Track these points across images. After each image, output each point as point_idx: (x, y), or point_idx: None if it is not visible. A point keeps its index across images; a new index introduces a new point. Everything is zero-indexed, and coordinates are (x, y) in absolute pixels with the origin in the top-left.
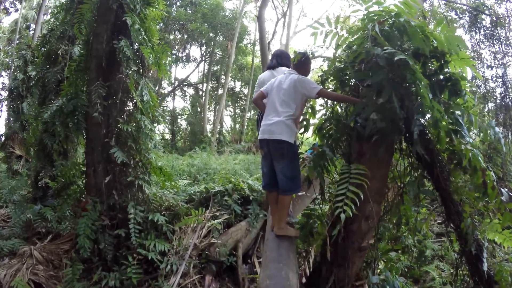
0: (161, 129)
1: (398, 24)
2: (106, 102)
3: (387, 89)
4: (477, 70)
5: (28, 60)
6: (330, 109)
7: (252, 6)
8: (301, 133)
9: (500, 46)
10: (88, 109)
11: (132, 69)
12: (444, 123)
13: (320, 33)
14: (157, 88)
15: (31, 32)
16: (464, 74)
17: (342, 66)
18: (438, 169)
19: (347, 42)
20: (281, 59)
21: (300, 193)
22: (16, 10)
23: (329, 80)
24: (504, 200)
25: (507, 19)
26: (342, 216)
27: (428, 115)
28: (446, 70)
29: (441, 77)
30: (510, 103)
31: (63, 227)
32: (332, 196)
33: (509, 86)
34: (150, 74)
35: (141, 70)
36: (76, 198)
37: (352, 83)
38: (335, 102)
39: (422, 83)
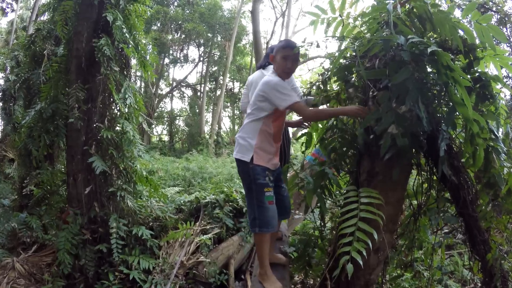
0: (159, 131)
1: (420, 10)
2: (85, 106)
3: (412, 92)
4: None
5: (21, 61)
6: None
7: (250, 6)
8: (302, 151)
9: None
10: (68, 113)
11: (114, 70)
12: (482, 138)
13: (321, 21)
14: (154, 89)
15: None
16: (498, 74)
17: (348, 62)
18: (465, 190)
19: (354, 33)
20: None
21: (296, 216)
22: (13, 11)
23: (332, 80)
24: None
25: None
26: (350, 267)
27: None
28: (475, 68)
29: (469, 77)
30: None
31: (48, 237)
32: (335, 218)
33: None
34: (150, 74)
35: (125, 71)
36: (59, 208)
37: (359, 84)
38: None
39: (462, 85)
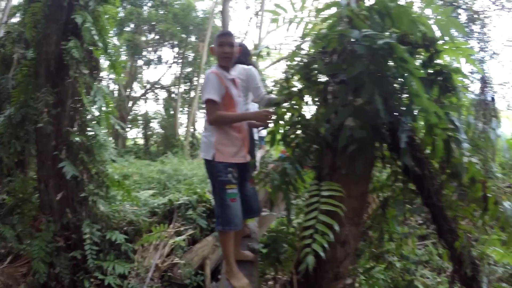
0: (134, 134)
1: (380, 5)
2: (55, 110)
3: (368, 85)
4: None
5: None
6: (296, 113)
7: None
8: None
9: (479, 42)
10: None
11: (83, 73)
12: (441, 128)
13: (282, 20)
14: (128, 91)
15: None
16: (458, 66)
17: (309, 59)
18: (428, 181)
19: (316, 30)
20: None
21: (263, 213)
22: None
23: (295, 78)
24: (509, 218)
25: (482, 14)
26: (311, 259)
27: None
28: (436, 61)
29: (430, 70)
30: (488, 98)
31: (23, 247)
32: (302, 212)
33: (487, 80)
34: (121, 76)
35: (95, 73)
36: (32, 216)
37: (323, 81)
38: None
39: (416, 76)
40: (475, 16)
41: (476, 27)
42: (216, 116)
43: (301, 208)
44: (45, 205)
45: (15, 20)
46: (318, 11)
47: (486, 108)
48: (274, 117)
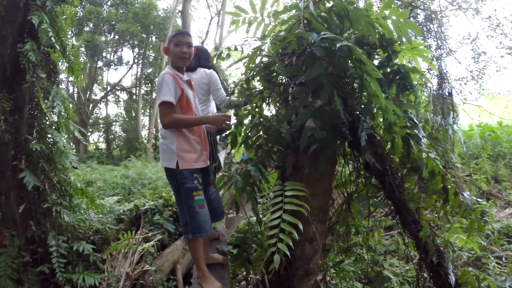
0: (96, 138)
1: (338, 7)
2: (12, 118)
3: (327, 87)
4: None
5: None
6: (257, 114)
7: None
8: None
9: (436, 40)
10: None
11: (40, 77)
12: (399, 126)
13: (242, 21)
14: (88, 94)
15: None
16: (416, 66)
17: (269, 61)
18: (390, 176)
19: (276, 32)
20: (198, 59)
21: (230, 215)
22: None
23: (255, 79)
24: (468, 207)
25: (439, 14)
26: (277, 258)
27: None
28: (394, 61)
29: (388, 70)
30: (446, 93)
31: None
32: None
33: (444, 77)
34: (80, 79)
35: (53, 77)
36: None
37: (283, 82)
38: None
39: (373, 77)
40: (433, 16)
41: (433, 26)
42: (172, 119)
43: (267, 208)
44: (7, 219)
45: None
46: (277, 13)
47: (444, 103)
48: (233, 120)
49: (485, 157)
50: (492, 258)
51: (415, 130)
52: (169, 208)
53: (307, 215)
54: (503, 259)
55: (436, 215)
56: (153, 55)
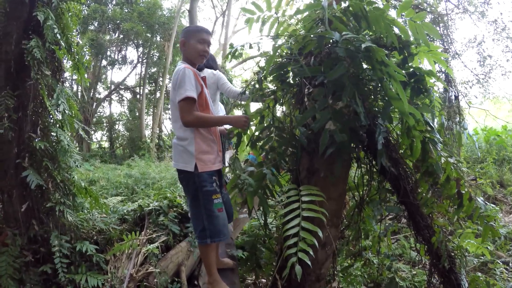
0: (99, 137)
1: (355, 8)
2: (16, 115)
3: (348, 88)
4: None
5: None
6: (270, 115)
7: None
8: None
9: (442, 43)
10: None
11: (45, 74)
12: (418, 130)
13: (256, 19)
14: (92, 92)
15: None
16: (432, 69)
17: (283, 61)
18: (404, 180)
19: (290, 31)
20: (207, 60)
21: (241, 216)
22: None
23: (268, 80)
24: (483, 212)
25: (446, 17)
26: (298, 269)
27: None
28: (410, 64)
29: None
30: (453, 96)
31: None
32: (279, 216)
33: (451, 80)
34: (84, 78)
35: (57, 75)
36: None
37: (294, 82)
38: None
39: (397, 80)
40: (439, 18)
41: (440, 29)
42: (195, 117)
43: (276, 211)
44: (10, 218)
45: None
46: (298, 12)
47: (450, 106)
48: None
49: (490, 161)
50: (500, 263)
51: (433, 134)
52: (174, 209)
53: (324, 221)
54: (510, 264)
55: (448, 220)
56: (157, 54)
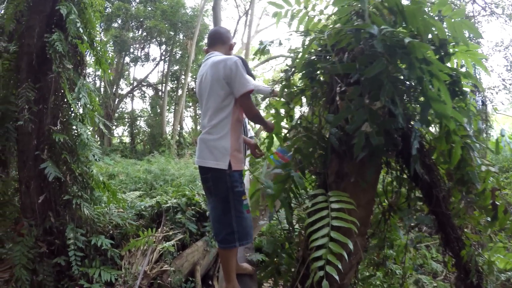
0: (120, 132)
1: (391, 2)
2: (36, 107)
3: (387, 87)
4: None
5: None
6: (297, 114)
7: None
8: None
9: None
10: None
11: (67, 67)
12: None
13: (284, 13)
14: (114, 88)
15: None
16: (469, 70)
17: (313, 58)
18: (438, 188)
19: (320, 27)
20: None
21: (261, 222)
22: None
23: (296, 77)
24: None
25: (472, 19)
26: (325, 284)
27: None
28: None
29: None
30: (480, 102)
31: (5, 251)
32: (302, 220)
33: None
34: (110, 72)
35: (79, 69)
36: (14, 219)
37: (326, 79)
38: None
39: (441, 80)
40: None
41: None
42: (258, 111)
43: (299, 215)
44: (27, 208)
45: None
46: (337, 2)
47: (478, 113)
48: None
49: None
50: None
51: (472, 140)
52: (192, 207)
53: (353, 231)
54: None
55: (477, 232)
56: (180, 52)
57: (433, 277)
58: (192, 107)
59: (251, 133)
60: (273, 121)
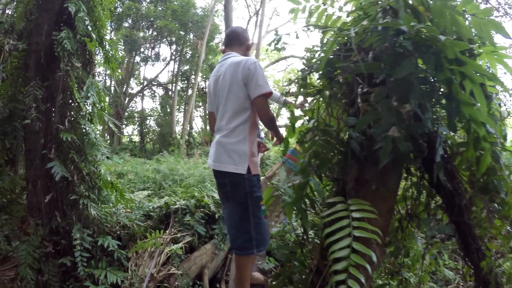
0: (130, 131)
1: None
2: (44, 106)
3: (417, 89)
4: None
5: None
6: (315, 115)
7: (223, 4)
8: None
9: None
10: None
11: (75, 66)
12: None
13: (302, 9)
14: (124, 88)
15: None
16: (494, 72)
17: (332, 57)
18: (460, 197)
19: (339, 24)
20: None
21: (275, 229)
22: None
23: (311, 76)
24: None
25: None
26: None
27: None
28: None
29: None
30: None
31: (11, 249)
32: (317, 226)
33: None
34: (119, 71)
35: (88, 67)
36: (20, 218)
37: (349, 79)
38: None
39: (476, 82)
40: None
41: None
42: (273, 115)
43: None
44: (33, 208)
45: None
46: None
47: (502, 118)
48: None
49: None
50: None
51: (500, 147)
52: (201, 209)
53: (374, 241)
54: None
55: (501, 243)
56: (190, 52)
57: (446, 285)
58: (202, 107)
59: (262, 134)
60: (287, 123)
